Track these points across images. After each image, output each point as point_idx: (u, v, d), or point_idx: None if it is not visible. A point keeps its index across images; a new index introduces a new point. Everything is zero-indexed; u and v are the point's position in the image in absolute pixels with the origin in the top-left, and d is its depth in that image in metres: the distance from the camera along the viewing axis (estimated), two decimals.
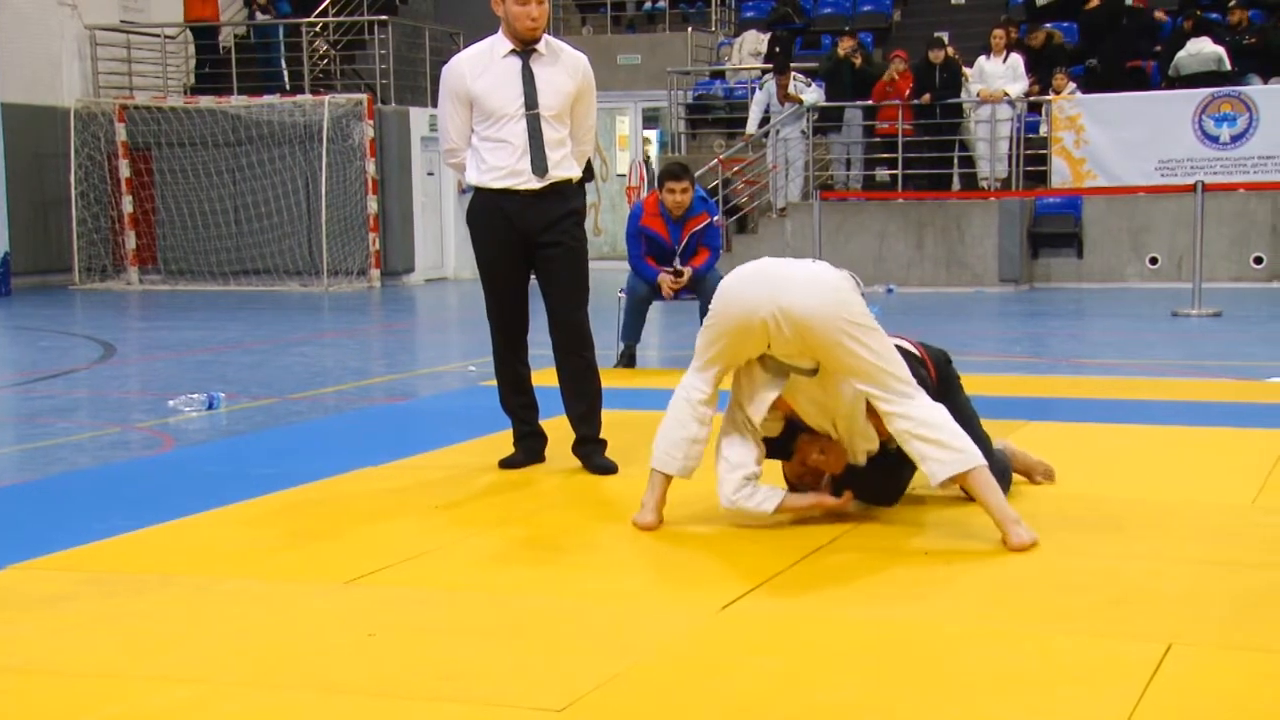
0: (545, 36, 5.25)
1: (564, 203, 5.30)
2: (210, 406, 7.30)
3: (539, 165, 5.21)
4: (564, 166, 5.28)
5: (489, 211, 5.28)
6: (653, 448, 4.45)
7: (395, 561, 4.11)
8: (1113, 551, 4.13)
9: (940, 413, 4.18)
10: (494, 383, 5.56)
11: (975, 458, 4.14)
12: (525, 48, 5.20)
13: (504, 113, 5.18)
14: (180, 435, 6.66)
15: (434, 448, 5.93)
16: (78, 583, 3.92)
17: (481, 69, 5.21)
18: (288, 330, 12.25)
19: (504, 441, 5.60)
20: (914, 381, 4.19)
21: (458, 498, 5.02)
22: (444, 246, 18.45)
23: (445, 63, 5.39)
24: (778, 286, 4.14)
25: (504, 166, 5.21)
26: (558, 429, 5.53)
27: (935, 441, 4.13)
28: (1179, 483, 5.09)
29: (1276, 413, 6.52)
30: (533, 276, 5.40)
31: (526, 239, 5.28)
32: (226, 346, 10.82)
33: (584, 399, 5.39)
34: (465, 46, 5.64)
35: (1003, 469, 4.61)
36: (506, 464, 5.45)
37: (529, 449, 5.49)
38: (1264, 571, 3.91)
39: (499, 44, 5.24)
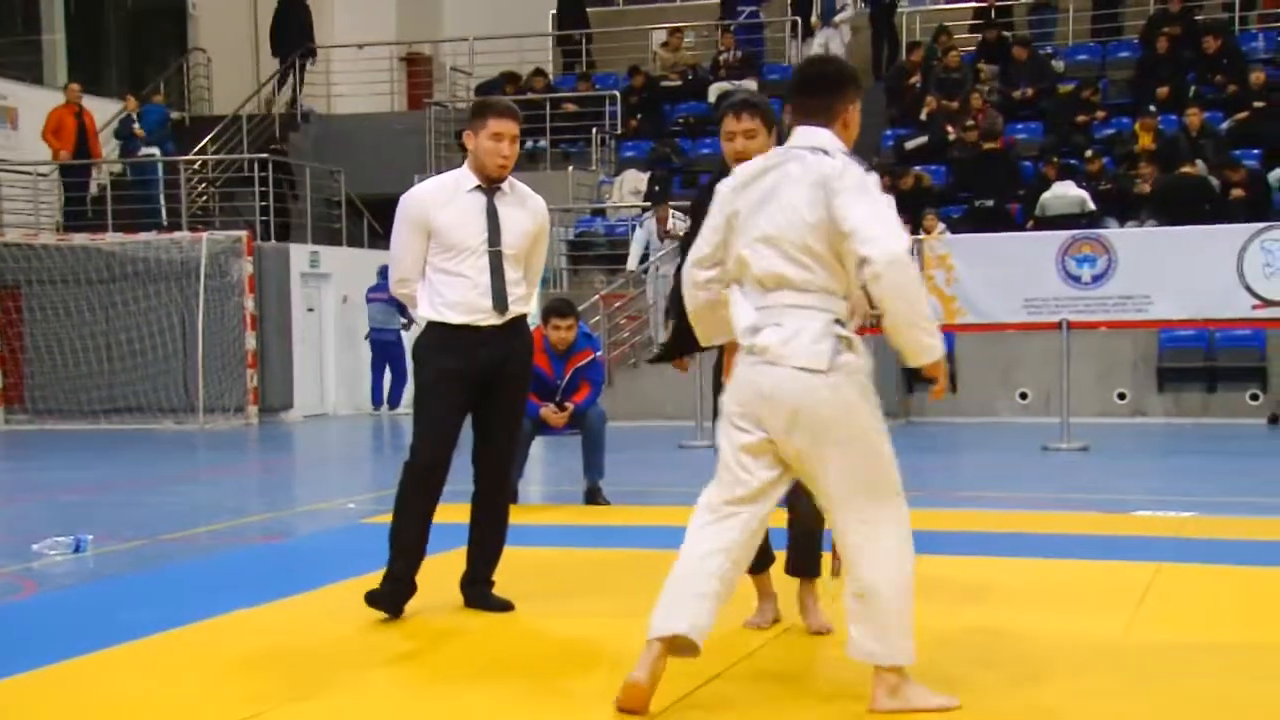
0: (509, 177, 5.31)
1: (518, 337, 5.32)
2: (77, 549, 7.08)
3: (500, 302, 5.20)
4: (520, 303, 5.30)
5: (444, 345, 5.20)
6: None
7: (266, 709, 4.00)
8: (988, 683, 4.17)
9: (891, 584, 3.85)
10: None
11: (903, 656, 3.87)
12: (491, 185, 5.25)
13: (466, 246, 5.18)
14: (44, 580, 6.44)
15: (312, 587, 5.81)
16: None
17: (445, 201, 5.22)
18: (161, 469, 11.98)
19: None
20: (879, 520, 3.85)
21: (338, 637, 4.91)
22: (324, 382, 18.28)
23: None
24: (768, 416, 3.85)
25: (464, 302, 5.17)
26: (438, 566, 5.45)
27: (867, 618, 3.84)
28: (1052, 615, 5.17)
29: (1143, 545, 6.68)
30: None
31: (480, 374, 5.21)
32: (96, 487, 10.54)
33: (496, 538, 5.35)
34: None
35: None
36: (378, 603, 5.21)
37: (398, 596, 5.22)
38: (1130, 703, 3.98)
39: (464, 178, 5.27)
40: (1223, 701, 4.02)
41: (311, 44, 21.10)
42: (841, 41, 19.67)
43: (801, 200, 3.81)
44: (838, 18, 19.64)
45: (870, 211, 3.72)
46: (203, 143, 19.37)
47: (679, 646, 3.85)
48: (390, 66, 21.87)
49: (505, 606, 5.28)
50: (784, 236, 3.82)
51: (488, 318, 5.19)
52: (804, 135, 3.95)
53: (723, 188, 4.06)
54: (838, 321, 3.82)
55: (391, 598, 5.21)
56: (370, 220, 18.91)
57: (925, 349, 3.75)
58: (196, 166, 18.88)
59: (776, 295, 3.85)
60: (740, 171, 4.04)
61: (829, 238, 3.77)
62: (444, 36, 23.25)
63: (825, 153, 3.86)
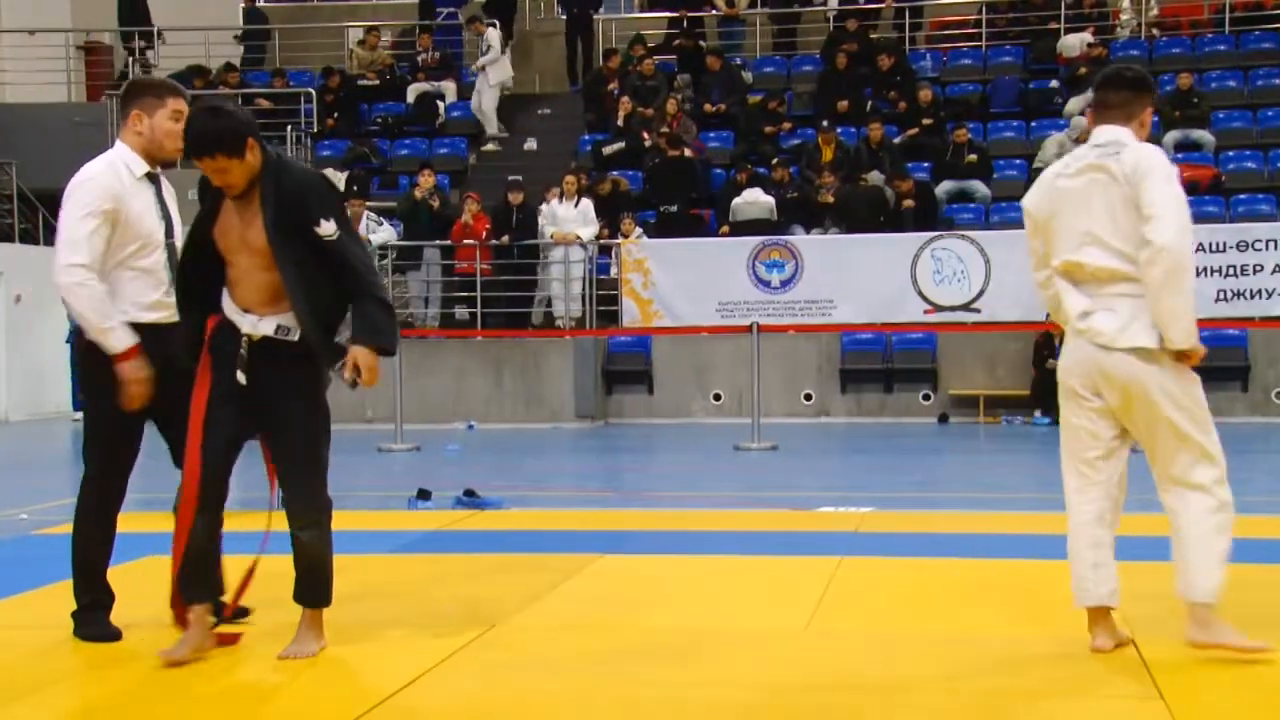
0: None
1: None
2: None
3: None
4: None
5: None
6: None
7: None
8: (680, 680, 4.28)
9: (1196, 537, 4.33)
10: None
11: (1201, 593, 4.31)
12: (155, 170, 4.91)
13: (154, 239, 4.82)
14: None
15: None
16: None
17: (128, 188, 4.79)
18: None
19: (60, 595, 5.20)
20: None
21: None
22: None
23: None
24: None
25: (148, 300, 4.81)
26: (129, 576, 5.19)
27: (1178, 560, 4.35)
28: (742, 611, 5.34)
29: (825, 541, 6.99)
30: None
31: (162, 374, 4.79)
32: None
33: None
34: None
35: None
36: (101, 639, 4.83)
37: (104, 622, 4.88)
38: (817, 694, 4.16)
39: (134, 163, 4.84)
40: (897, 686, 4.25)
41: None
42: (488, 84, 18.87)
43: (1117, 199, 4.29)
44: (480, 61, 18.93)
45: (1168, 199, 4.22)
46: None
47: (1103, 609, 4.46)
48: (66, 55, 20.75)
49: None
50: (1108, 236, 4.31)
51: (171, 315, 4.86)
52: (1103, 133, 4.44)
53: (1032, 196, 4.55)
54: None
55: (106, 624, 4.86)
56: (46, 215, 17.90)
57: (1178, 335, 4.24)
58: None
59: (1111, 286, 4.33)
60: (1043, 179, 4.53)
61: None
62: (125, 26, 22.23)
63: (1123, 145, 4.34)
